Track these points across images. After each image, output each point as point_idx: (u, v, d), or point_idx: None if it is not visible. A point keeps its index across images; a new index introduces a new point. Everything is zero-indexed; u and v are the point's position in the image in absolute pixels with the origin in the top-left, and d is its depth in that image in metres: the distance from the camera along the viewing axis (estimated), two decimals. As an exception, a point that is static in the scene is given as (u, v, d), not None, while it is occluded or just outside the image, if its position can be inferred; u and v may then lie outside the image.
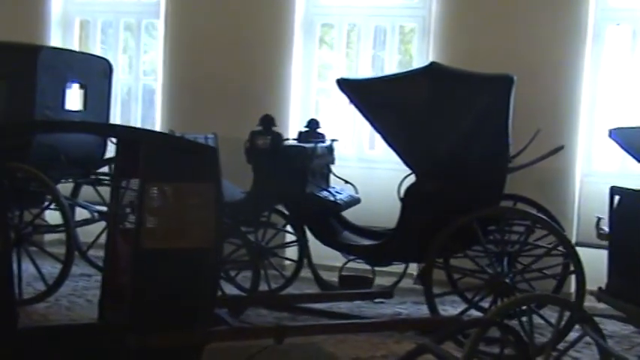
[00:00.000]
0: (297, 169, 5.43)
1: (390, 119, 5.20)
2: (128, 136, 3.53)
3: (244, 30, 7.74)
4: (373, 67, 7.86)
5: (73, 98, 6.48)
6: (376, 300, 5.16)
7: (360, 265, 5.75)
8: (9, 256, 3.23)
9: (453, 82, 5.15)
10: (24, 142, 5.73)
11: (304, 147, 5.51)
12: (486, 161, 5.08)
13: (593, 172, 7.07)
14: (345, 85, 5.39)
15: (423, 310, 6.09)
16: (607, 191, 6.96)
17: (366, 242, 5.48)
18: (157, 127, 8.05)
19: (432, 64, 5.17)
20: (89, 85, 6.46)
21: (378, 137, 7.64)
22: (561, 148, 5.39)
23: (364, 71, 7.74)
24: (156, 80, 8.23)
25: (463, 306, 5.45)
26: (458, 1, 7.26)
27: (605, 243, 5.33)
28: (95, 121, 6.50)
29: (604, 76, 7.11)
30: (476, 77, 5.20)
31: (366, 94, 5.31)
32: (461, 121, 5.07)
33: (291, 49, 7.68)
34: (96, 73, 6.55)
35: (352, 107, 5.49)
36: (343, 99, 7.65)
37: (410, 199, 5.15)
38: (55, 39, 8.32)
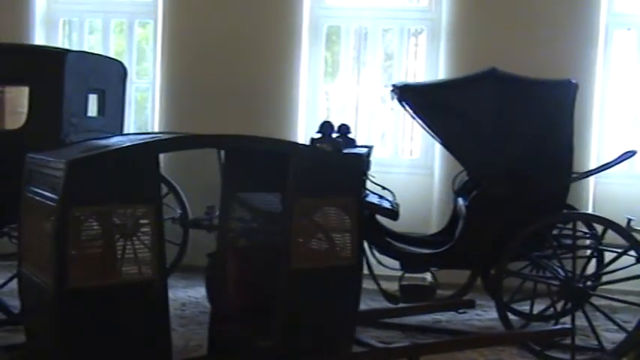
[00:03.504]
0: (356, 177, 5.26)
1: (453, 126, 5.14)
2: (276, 149, 3.30)
3: (247, 30, 7.52)
4: (384, 70, 7.79)
5: (92, 104, 6.08)
6: (460, 310, 5.06)
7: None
8: (165, 284, 2.98)
9: (516, 88, 5.12)
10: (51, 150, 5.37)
11: (361, 154, 5.37)
12: (552, 167, 5.09)
13: (606, 174, 7.17)
14: (403, 91, 5.27)
15: (457, 316, 6.04)
16: (619, 192, 7.21)
17: (424, 250, 5.38)
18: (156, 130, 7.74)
19: (493, 69, 5.12)
20: (108, 90, 6.09)
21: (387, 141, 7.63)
22: (634, 153, 5.42)
23: (373, 75, 7.66)
24: (151, 83, 7.89)
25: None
26: (469, 5, 7.25)
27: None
28: (114, 128, 6.17)
29: (614, 79, 7.25)
30: (539, 83, 5.19)
31: (426, 100, 5.22)
32: (526, 127, 5.06)
33: (298, 50, 7.52)
34: (113, 78, 6.19)
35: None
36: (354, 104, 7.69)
37: (476, 206, 5.09)
38: (39, 41, 7.86)
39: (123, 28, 8.12)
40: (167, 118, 7.65)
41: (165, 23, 7.63)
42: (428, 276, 6.67)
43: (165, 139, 3.04)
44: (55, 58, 5.46)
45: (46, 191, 2.95)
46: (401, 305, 4.97)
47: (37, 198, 3.05)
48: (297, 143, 3.13)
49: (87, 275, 2.80)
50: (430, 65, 7.46)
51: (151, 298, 2.93)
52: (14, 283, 5.59)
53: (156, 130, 7.75)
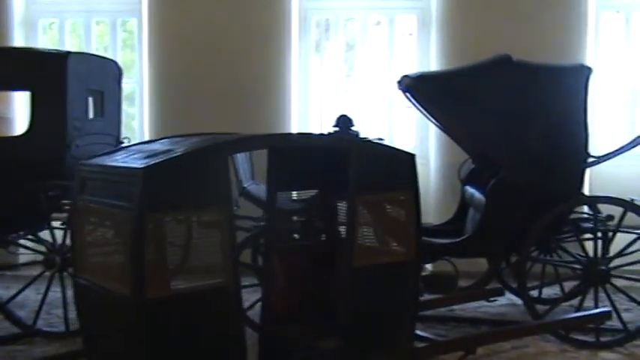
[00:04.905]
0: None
1: (469, 114, 5.11)
2: (338, 146, 3.24)
3: (235, 26, 7.42)
4: (374, 61, 7.75)
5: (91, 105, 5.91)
6: (491, 299, 5.07)
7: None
8: (239, 289, 2.89)
9: (531, 74, 5.12)
10: (57, 156, 5.25)
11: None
12: (569, 152, 5.13)
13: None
14: (410, 82, 5.22)
15: (469, 304, 6.05)
16: (613, 172, 7.29)
17: (441, 240, 5.36)
18: (145, 131, 7.61)
19: (506, 56, 5.11)
20: (105, 92, 5.94)
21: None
22: (648, 136, 5.48)
23: (365, 67, 7.62)
24: (138, 83, 7.73)
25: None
26: (458, -9, 7.26)
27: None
28: (112, 130, 6.04)
29: (603, 62, 7.33)
30: (554, 69, 5.22)
31: (438, 90, 5.18)
32: (542, 113, 5.07)
33: (288, 44, 7.44)
34: (110, 78, 6.04)
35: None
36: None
37: (496, 194, 5.08)
38: (18, 42, 7.64)
39: (105, 28, 7.92)
40: (157, 117, 7.49)
41: (152, 21, 7.47)
42: (429, 266, 6.70)
43: (235, 140, 2.95)
44: (57, 60, 5.31)
45: (111, 199, 2.84)
46: (434, 297, 4.93)
47: (98, 206, 2.93)
48: (357, 139, 3.09)
49: (165, 283, 2.71)
50: (421, 55, 7.45)
51: (225, 304, 2.85)
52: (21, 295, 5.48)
53: (145, 129, 7.63)
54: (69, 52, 5.47)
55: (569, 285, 5.52)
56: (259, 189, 5.82)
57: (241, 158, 5.75)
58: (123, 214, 2.74)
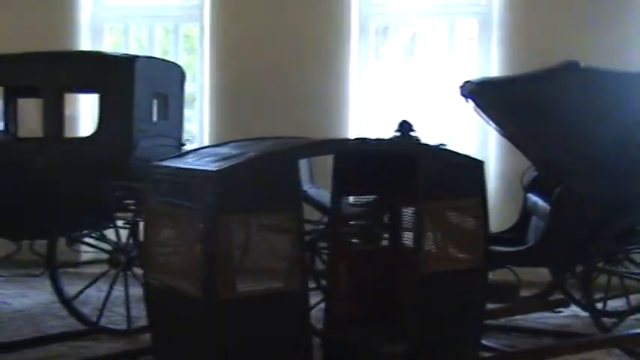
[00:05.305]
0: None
1: (533, 121, 5.03)
2: (407, 151, 3.24)
3: (295, 31, 7.47)
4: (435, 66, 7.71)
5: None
6: (556, 310, 4.99)
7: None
8: (307, 294, 2.90)
9: (599, 80, 5.02)
10: (123, 157, 5.35)
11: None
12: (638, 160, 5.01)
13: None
14: (474, 87, 5.18)
15: (532, 315, 5.94)
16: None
17: (503, 248, 5.29)
18: (205, 134, 7.70)
19: (574, 62, 5.02)
20: (170, 95, 6.04)
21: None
22: None
23: (425, 73, 7.59)
24: (198, 86, 7.83)
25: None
26: (521, -3, 7.18)
27: None
28: (176, 133, 6.13)
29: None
30: (623, 75, 5.11)
31: (502, 96, 5.13)
32: (611, 121, 4.96)
33: (347, 49, 7.45)
34: (174, 82, 6.13)
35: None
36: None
37: (564, 202, 4.99)
38: (85, 46, 7.81)
39: (164, 32, 8.06)
40: (218, 122, 7.58)
41: (213, 27, 7.57)
42: (490, 274, 6.62)
43: (307, 144, 2.97)
44: (125, 64, 5.41)
45: (184, 200, 2.88)
46: (496, 306, 4.86)
47: (170, 207, 2.98)
48: (425, 144, 3.10)
49: (235, 285, 2.74)
50: (482, 60, 7.38)
51: (293, 308, 2.86)
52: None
53: (205, 132, 7.72)
54: (136, 56, 5.57)
55: (633, 298, 5.40)
56: (318, 192, 5.84)
57: (301, 161, 5.77)
58: (195, 215, 2.78)
